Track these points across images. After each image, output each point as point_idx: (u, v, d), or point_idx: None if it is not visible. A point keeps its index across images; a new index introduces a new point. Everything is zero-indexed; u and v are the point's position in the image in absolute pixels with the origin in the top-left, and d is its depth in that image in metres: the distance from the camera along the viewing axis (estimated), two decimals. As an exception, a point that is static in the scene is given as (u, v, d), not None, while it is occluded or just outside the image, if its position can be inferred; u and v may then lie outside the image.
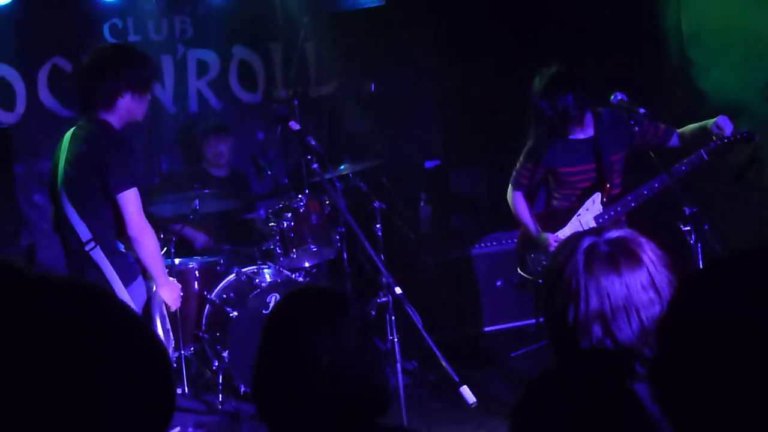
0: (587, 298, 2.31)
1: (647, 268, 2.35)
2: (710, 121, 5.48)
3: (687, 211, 4.65)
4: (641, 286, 2.32)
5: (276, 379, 2.42)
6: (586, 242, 2.40)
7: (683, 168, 5.44)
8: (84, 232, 4.92)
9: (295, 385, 2.37)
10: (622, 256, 2.35)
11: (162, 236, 6.46)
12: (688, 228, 4.64)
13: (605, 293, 2.30)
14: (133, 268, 4.97)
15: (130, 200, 4.86)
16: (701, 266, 4.60)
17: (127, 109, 5.02)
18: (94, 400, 1.20)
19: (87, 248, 4.90)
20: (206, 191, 6.99)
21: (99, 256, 4.90)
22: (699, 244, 4.60)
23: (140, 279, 5.02)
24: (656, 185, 5.55)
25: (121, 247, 4.99)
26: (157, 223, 5.92)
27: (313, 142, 5.07)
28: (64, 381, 1.18)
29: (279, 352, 2.44)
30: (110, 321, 1.28)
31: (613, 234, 2.43)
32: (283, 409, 2.39)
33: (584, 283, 2.33)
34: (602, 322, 2.30)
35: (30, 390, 1.16)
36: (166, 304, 5.15)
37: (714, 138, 5.44)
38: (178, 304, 5.27)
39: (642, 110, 5.25)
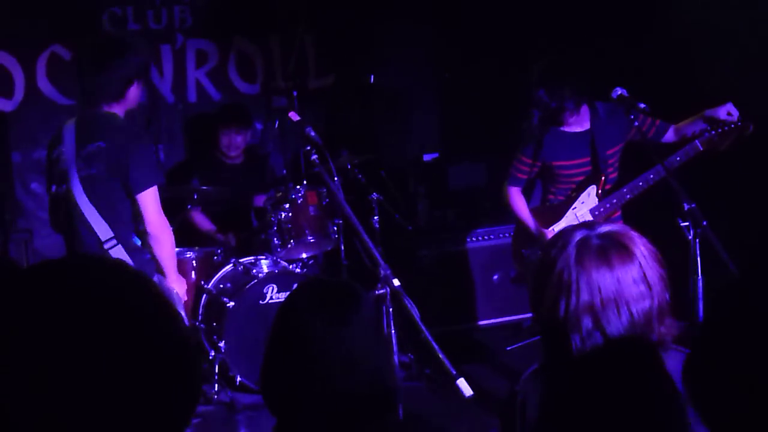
0: (578, 290, 2.32)
1: (639, 262, 2.36)
2: (710, 111, 5.48)
3: (686, 206, 4.64)
4: (632, 280, 2.33)
5: (287, 371, 2.39)
6: (578, 236, 2.41)
7: (678, 158, 5.44)
8: (104, 230, 4.87)
9: (306, 379, 2.34)
10: (614, 250, 2.36)
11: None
12: (687, 224, 4.63)
13: (596, 286, 2.31)
14: (150, 265, 4.96)
15: (151, 198, 4.85)
16: (698, 263, 4.59)
17: (134, 97, 5.05)
18: (129, 378, 1.23)
19: (107, 246, 4.86)
20: (205, 188, 7.05)
21: (120, 253, 4.88)
22: (697, 240, 4.60)
23: (156, 275, 5.02)
24: (651, 176, 5.56)
25: (138, 243, 4.98)
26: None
27: (312, 133, 5.07)
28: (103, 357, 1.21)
29: (291, 345, 2.40)
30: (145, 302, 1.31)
31: (606, 228, 2.44)
32: (292, 402, 2.36)
33: (576, 276, 2.33)
34: (592, 315, 2.31)
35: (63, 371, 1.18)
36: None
37: (708, 128, 5.45)
38: (186, 297, 5.30)
39: (642, 105, 5.24)
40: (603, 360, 1.78)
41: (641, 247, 2.39)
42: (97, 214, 4.88)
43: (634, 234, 2.44)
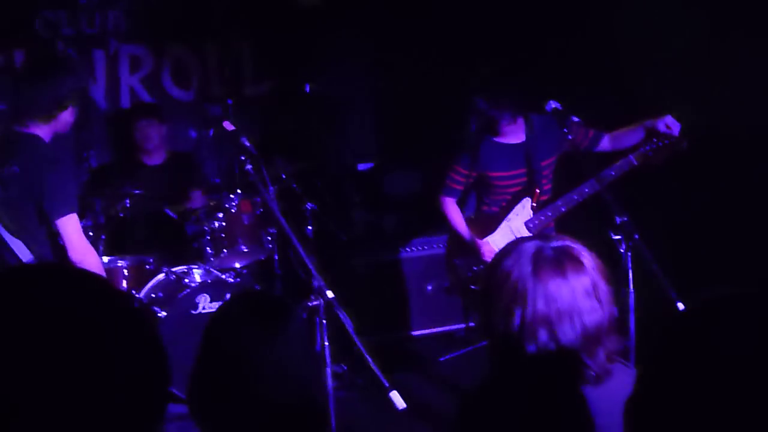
0: (534, 302, 2.34)
1: (591, 276, 2.39)
2: (649, 122, 5.52)
3: (618, 220, 4.67)
4: (585, 292, 2.36)
5: (215, 381, 2.38)
6: (533, 247, 2.42)
7: (612, 173, 5.48)
8: (23, 252, 4.79)
9: (234, 389, 2.34)
10: (569, 262, 2.39)
11: (91, 234, 6.36)
12: (619, 237, 4.66)
13: (552, 297, 2.34)
14: None
15: (70, 225, 4.74)
16: (630, 276, 4.63)
17: (65, 121, 4.92)
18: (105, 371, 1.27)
19: None
20: (137, 192, 6.94)
21: None
22: (629, 254, 4.63)
23: None
24: (586, 190, 5.60)
25: None
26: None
27: (247, 143, 5.04)
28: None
29: (220, 355, 2.40)
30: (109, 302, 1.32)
31: (558, 241, 2.46)
32: (219, 413, 2.35)
33: (532, 287, 2.36)
34: (548, 326, 2.33)
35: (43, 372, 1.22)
36: None
37: (643, 142, 5.50)
38: None
39: (575, 119, 5.27)
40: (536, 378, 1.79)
41: (591, 260, 2.43)
42: (13, 237, 4.78)
43: (583, 248, 2.47)
